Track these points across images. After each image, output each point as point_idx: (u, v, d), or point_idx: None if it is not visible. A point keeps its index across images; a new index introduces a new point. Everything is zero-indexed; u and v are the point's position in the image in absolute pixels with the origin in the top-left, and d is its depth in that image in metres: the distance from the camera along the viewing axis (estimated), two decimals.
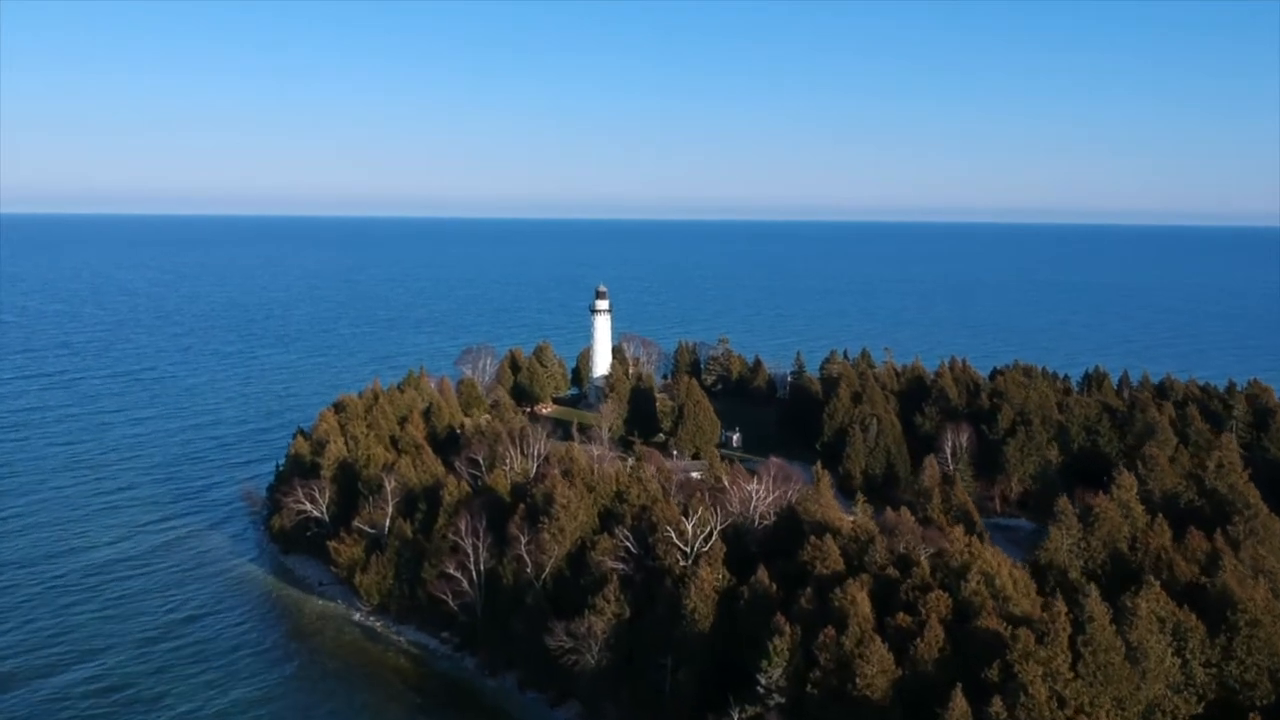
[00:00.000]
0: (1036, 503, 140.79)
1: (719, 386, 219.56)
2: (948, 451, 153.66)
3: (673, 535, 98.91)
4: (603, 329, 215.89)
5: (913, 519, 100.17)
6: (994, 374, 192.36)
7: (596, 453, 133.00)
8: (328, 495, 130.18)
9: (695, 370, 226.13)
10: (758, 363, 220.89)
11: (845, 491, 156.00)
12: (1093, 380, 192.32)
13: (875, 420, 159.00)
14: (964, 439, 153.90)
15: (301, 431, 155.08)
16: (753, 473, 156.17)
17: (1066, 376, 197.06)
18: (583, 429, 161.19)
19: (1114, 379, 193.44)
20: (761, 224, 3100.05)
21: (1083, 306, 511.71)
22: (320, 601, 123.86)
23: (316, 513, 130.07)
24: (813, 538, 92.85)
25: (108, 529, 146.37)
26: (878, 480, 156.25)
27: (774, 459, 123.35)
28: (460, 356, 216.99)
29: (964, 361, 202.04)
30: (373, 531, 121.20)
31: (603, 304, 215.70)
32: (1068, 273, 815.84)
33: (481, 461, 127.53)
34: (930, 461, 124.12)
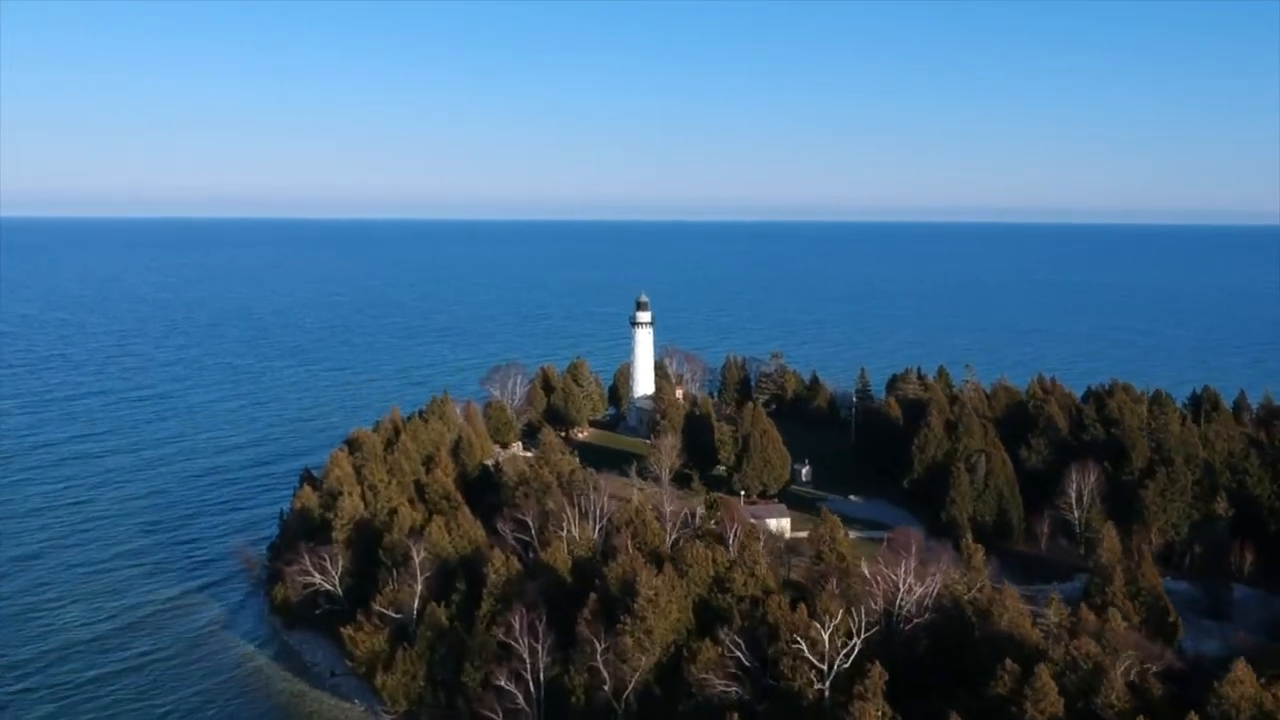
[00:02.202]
0: (1200, 561, 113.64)
1: (772, 407, 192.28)
2: (1071, 495, 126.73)
3: (803, 647, 71.90)
4: (644, 344, 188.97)
5: (1123, 623, 73.02)
6: (1090, 396, 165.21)
7: (669, 508, 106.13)
8: (341, 564, 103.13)
9: (745, 388, 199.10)
10: (815, 380, 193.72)
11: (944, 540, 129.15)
12: (1203, 403, 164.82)
13: (983, 457, 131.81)
14: (1091, 479, 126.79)
15: (310, 477, 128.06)
16: (838, 518, 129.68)
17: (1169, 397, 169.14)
18: (641, 471, 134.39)
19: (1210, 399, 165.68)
20: (760, 224, 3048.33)
21: (1124, 311, 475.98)
22: (332, 700, 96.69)
23: (327, 585, 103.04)
24: (1009, 662, 65.70)
25: (83, 597, 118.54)
26: (987, 529, 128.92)
27: (914, 532, 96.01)
28: (488, 375, 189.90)
29: (1053, 380, 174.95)
30: (398, 617, 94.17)
31: (644, 315, 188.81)
32: (1092, 274, 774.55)
33: (530, 523, 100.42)
34: (1109, 530, 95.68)
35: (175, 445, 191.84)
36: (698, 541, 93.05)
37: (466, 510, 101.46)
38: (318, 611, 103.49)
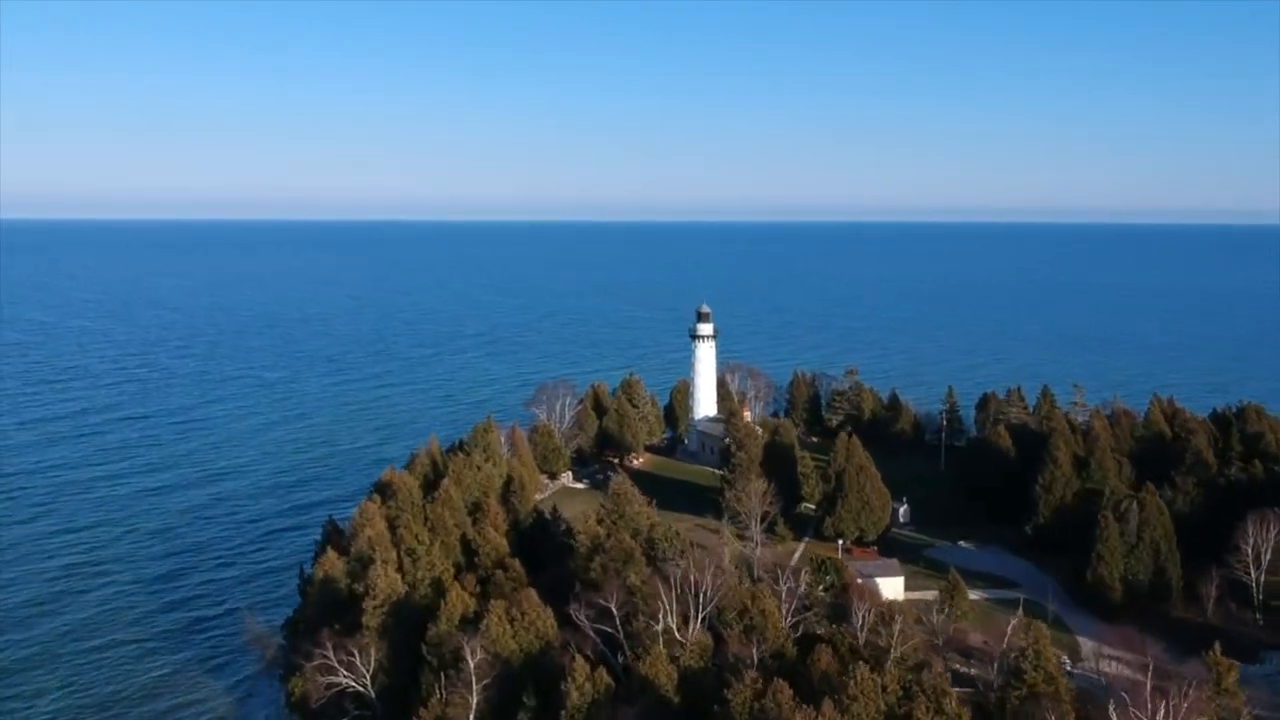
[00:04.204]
0: None
1: (848, 429, 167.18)
2: (1247, 551, 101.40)
3: None
4: (706, 359, 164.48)
5: None
6: (1221, 421, 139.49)
7: (786, 587, 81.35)
8: (373, 658, 78.67)
9: (815, 407, 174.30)
10: (896, 400, 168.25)
11: (1093, 608, 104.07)
12: None
13: (1135, 504, 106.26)
14: (1271, 532, 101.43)
15: (335, 530, 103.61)
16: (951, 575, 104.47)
17: None
18: (732, 517, 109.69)
19: None
20: (755, 225, 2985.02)
21: (1177, 315, 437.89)
22: None
23: (357, 686, 78.60)
24: None
25: (88, 707, 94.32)
26: (1142, 590, 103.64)
27: (1139, 637, 70.79)
28: (533, 396, 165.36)
29: (1170, 400, 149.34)
30: None
31: (706, 328, 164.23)
32: (1121, 275, 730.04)
33: (614, 609, 75.61)
34: None
35: (194, 482, 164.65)
36: (828, 636, 68.36)
37: (533, 594, 76.64)
38: None
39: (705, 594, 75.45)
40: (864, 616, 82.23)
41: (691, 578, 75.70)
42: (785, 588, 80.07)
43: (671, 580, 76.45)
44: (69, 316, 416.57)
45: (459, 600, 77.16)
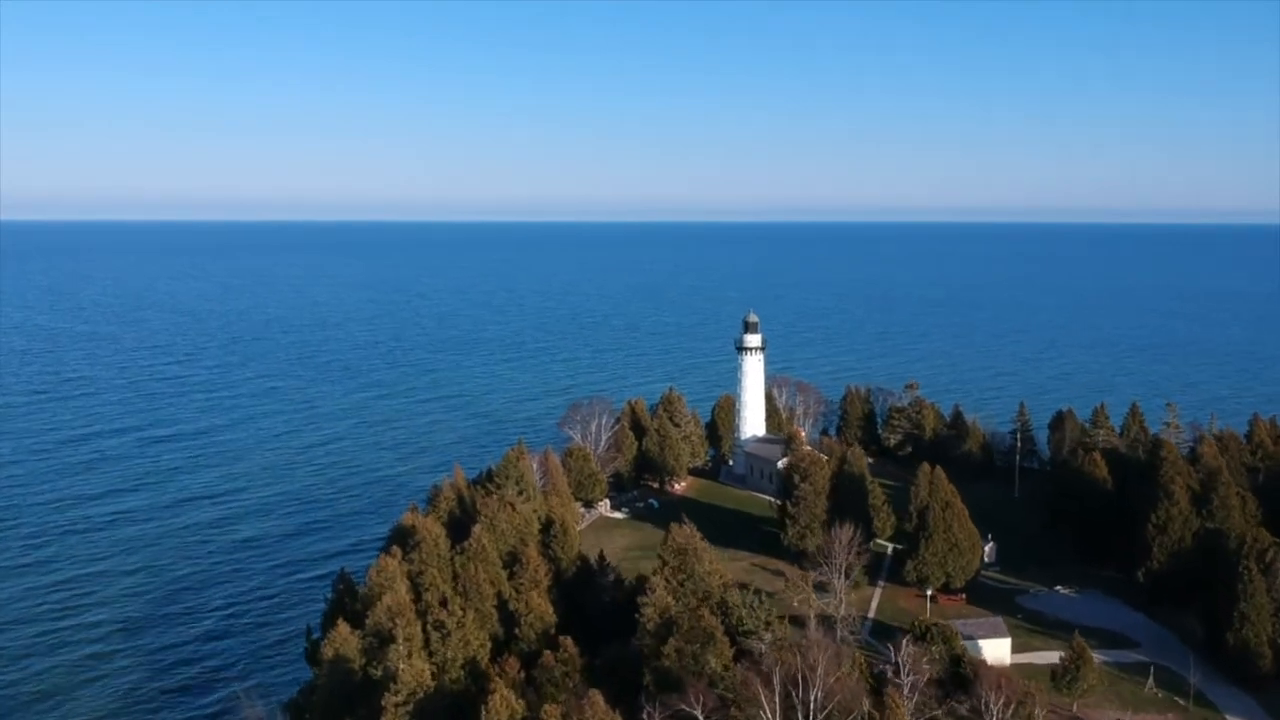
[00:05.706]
0: None
1: (907, 449, 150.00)
2: None
3: None
4: (754, 374, 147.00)
5: None
6: None
7: (910, 680, 64.11)
8: None
9: (870, 425, 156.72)
10: (959, 417, 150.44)
11: (1236, 676, 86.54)
12: None
13: None
14: None
15: (348, 590, 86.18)
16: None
17: None
18: (813, 565, 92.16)
19: None
20: (761, 226, 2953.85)
21: (1255, 322, 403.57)
22: None
23: None
24: None
25: None
26: None
27: None
28: (565, 416, 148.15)
29: (1273, 422, 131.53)
30: None
31: (754, 339, 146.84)
32: (1173, 277, 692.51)
33: (700, 717, 58.37)
34: None
35: (204, 522, 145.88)
36: None
37: (598, 698, 59.32)
38: None
39: (816, 697, 58.03)
40: (997, 711, 65.16)
41: (799, 675, 58.27)
42: (908, 680, 62.54)
43: (773, 675, 59.10)
44: (79, 322, 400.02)
45: (503, 704, 59.83)
